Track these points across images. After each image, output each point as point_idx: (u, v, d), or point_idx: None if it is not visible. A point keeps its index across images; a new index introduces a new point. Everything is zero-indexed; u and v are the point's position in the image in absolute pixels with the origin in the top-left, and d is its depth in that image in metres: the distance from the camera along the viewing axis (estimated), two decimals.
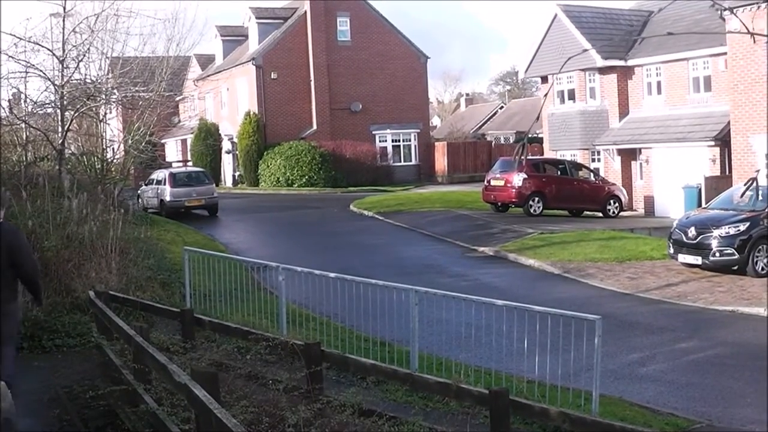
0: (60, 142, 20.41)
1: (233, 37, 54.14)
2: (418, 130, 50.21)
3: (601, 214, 29.81)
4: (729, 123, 27.14)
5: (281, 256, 17.71)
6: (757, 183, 18.42)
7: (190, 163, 49.46)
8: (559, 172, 30.38)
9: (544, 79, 36.92)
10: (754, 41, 21.76)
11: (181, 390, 6.05)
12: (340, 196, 39.87)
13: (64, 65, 20.20)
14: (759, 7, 24.23)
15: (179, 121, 55.48)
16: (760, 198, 19.12)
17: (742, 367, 12.01)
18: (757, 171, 22.86)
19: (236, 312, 13.31)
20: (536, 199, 28.55)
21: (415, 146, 50.09)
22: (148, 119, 23.59)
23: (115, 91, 23.01)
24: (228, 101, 51.60)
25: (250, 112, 46.47)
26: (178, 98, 48.85)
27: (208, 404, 5.26)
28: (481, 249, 22.59)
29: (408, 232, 26.49)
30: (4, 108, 21.10)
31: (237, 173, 49.32)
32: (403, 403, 9.40)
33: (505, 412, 6.87)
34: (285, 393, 7.67)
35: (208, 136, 50.03)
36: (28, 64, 19.70)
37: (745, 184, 18.65)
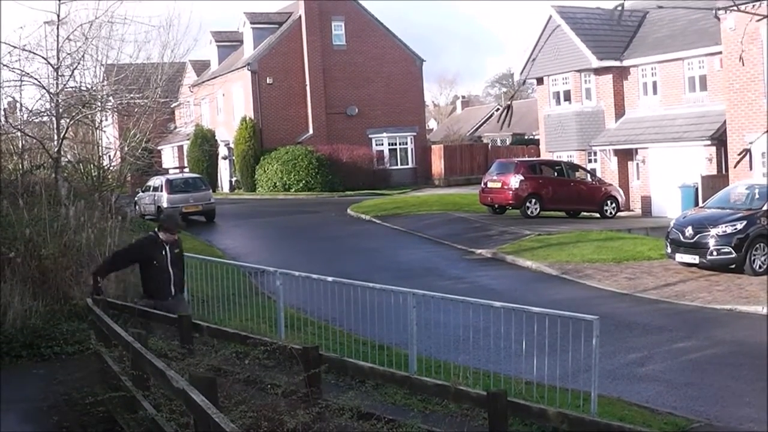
0: (56, 150, 20.39)
1: (228, 42, 54.15)
2: (415, 134, 50.21)
3: (598, 215, 29.82)
4: (725, 122, 27.17)
5: (279, 261, 17.74)
6: (750, 154, 18.23)
7: (186, 170, 49.36)
8: (555, 174, 30.40)
9: (540, 81, 36.94)
10: (742, 56, 21.64)
11: (180, 395, 6.05)
12: (338, 200, 39.88)
13: (59, 73, 20.17)
14: (755, 6, 24.25)
15: (175, 128, 55.26)
16: (757, 196, 19.17)
17: (741, 365, 12.02)
18: (751, 143, 22.69)
19: (234, 317, 13.32)
20: (533, 200, 28.55)
21: (411, 149, 50.10)
22: (144, 126, 23.55)
23: (111, 98, 22.97)
24: (224, 107, 51.60)
25: (246, 117, 46.49)
26: (173, 104, 48.69)
27: (206, 409, 5.26)
28: (479, 251, 22.59)
29: (405, 235, 26.50)
30: None
31: (234, 179, 49.32)
32: (402, 405, 9.40)
33: (503, 413, 6.87)
34: (283, 397, 7.67)
35: (204, 142, 50.02)
36: (23, 73, 19.69)
37: (739, 154, 18.52)
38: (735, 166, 18.29)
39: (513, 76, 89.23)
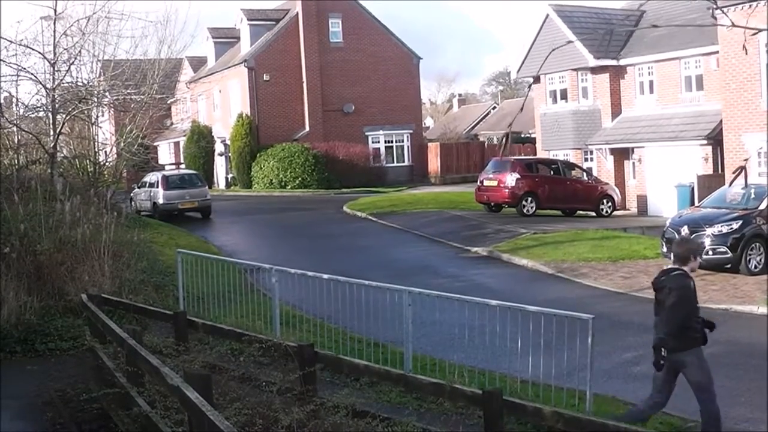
0: (52, 145, 20.39)
1: (225, 39, 54.07)
2: (411, 131, 50.19)
3: (594, 214, 29.83)
4: (721, 122, 27.19)
5: (275, 258, 17.70)
6: (745, 171, 18.44)
7: (182, 166, 49.36)
8: (551, 172, 30.40)
9: (537, 80, 36.93)
10: (745, 45, 21.59)
11: (174, 392, 6.04)
12: (334, 197, 39.84)
13: (56, 68, 20.18)
14: (752, 6, 24.29)
15: (172, 124, 55.38)
16: (753, 196, 19.18)
17: (736, 365, 12.02)
18: (746, 159, 22.80)
19: (230, 314, 13.29)
20: (529, 199, 28.55)
21: (408, 147, 50.06)
22: (140, 122, 23.55)
23: (107, 93, 22.98)
24: (220, 103, 51.54)
25: (242, 114, 46.43)
26: (170, 101, 48.71)
27: (200, 406, 5.25)
28: (475, 249, 22.59)
29: (401, 233, 26.48)
30: None
31: (230, 175, 49.27)
32: (397, 404, 9.39)
33: (498, 412, 6.87)
34: (278, 395, 7.67)
35: (200, 139, 49.97)
36: (19, 68, 19.69)
37: (733, 173, 18.71)
38: (730, 184, 18.39)
39: (510, 75, 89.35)
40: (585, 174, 31.66)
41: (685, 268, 8.53)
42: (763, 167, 25.11)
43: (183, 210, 31.02)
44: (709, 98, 29.26)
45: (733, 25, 5.59)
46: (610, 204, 30.22)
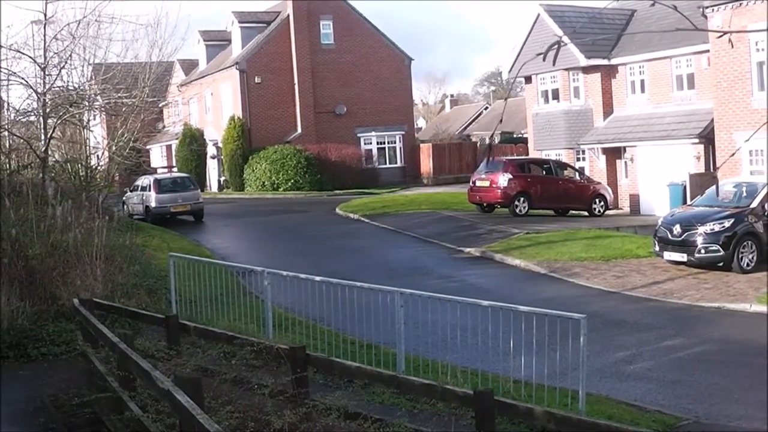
0: (43, 149, 20.34)
1: (216, 41, 54.00)
2: (403, 132, 50.18)
3: (586, 213, 29.87)
4: (713, 120, 27.25)
5: (267, 261, 17.70)
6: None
7: (175, 169, 49.26)
8: (544, 172, 30.43)
9: (528, 80, 36.97)
10: (732, 45, 21.63)
11: (165, 396, 6.03)
12: (326, 199, 39.83)
13: (46, 72, 20.12)
14: (742, 4, 24.36)
15: (164, 127, 55.19)
16: (744, 194, 19.24)
17: (729, 363, 12.06)
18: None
19: (222, 317, 13.28)
20: (522, 199, 28.56)
21: (400, 148, 50.06)
22: (131, 125, 23.48)
23: (98, 97, 22.92)
24: (212, 106, 51.47)
25: (234, 116, 46.38)
26: (161, 104, 48.59)
27: (191, 410, 5.24)
28: (468, 250, 22.59)
29: (394, 234, 26.47)
30: None
31: (222, 178, 49.21)
32: (390, 405, 9.39)
33: (490, 412, 6.87)
34: (270, 397, 7.66)
35: (192, 142, 49.89)
36: (10, 72, 19.63)
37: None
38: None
39: (501, 75, 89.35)
40: (577, 173, 31.71)
41: None
42: (756, 165, 25.17)
43: (175, 213, 30.97)
44: (700, 97, 29.32)
45: (710, 30, 5.59)
46: (602, 203, 30.27)
